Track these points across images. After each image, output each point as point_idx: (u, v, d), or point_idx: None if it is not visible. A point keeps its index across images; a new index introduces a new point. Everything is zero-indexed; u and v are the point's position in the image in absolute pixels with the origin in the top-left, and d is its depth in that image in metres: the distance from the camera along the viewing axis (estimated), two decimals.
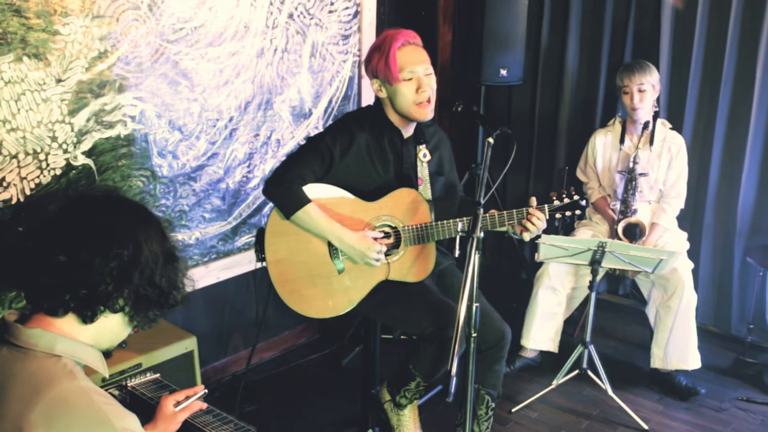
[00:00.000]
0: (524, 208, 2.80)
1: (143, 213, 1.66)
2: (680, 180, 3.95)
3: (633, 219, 3.85)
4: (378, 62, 2.78)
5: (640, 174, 3.86)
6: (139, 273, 1.57)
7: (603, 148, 4.08)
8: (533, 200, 2.81)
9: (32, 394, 1.44)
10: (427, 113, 2.83)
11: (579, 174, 4.26)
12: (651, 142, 3.89)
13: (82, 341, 1.57)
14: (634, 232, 3.84)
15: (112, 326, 1.62)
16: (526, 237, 2.81)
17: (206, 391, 2.07)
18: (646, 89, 3.81)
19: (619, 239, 3.80)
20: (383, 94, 2.85)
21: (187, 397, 2.02)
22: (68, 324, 1.56)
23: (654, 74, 3.85)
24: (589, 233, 4.00)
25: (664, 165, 3.93)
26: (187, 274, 1.73)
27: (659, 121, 3.95)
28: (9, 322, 1.56)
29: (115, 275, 1.53)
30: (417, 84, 2.78)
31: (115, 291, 1.55)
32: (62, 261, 1.51)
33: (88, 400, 1.46)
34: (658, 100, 3.95)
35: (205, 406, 2.05)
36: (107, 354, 1.69)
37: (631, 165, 3.84)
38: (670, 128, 3.99)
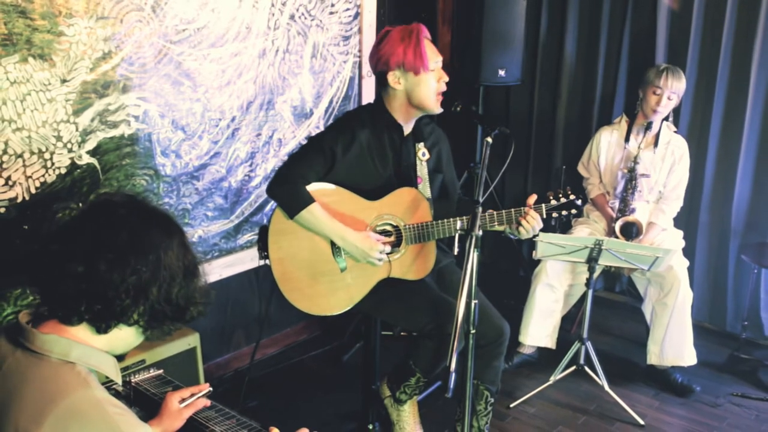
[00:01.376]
0: (521, 208, 2.80)
1: (166, 224, 1.62)
2: (681, 183, 3.96)
3: (631, 218, 3.84)
4: (406, 52, 2.75)
5: (642, 175, 3.86)
6: (156, 289, 1.54)
7: (608, 145, 4.07)
8: (532, 198, 2.82)
9: (46, 402, 1.42)
10: (440, 106, 2.86)
11: (580, 169, 4.25)
12: (656, 144, 3.88)
13: (96, 347, 1.55)
14: (631, 231, 3.83)
15: (125, 336, 1.60)
16: (523, 235, 2.82)
17: (211, 389, 2.06)
18: (674, 98, 3.81)
19: (616, 237, 3.80)
20: (401, 86, 2.82)
21: (192, 395, 2.01)
22: (82, 331, 1.54)
23: (684, 86, 3.86)
24: (587, 231, 4.00)
25: (666, 167, 3.93)
26: (206, 287, 1.70)
27: (665, 123, 3.93)
28: (23, 325, 1.53)
29: (132, 291, 1.51)
30: (439, 75, 2.82)
31: (131, 306, 1.52)
32: (80, 271, 1.48)
33: (102, 411, 1.43)
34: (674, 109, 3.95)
35: (208, 403, 2.05)
36: (120, 357, 1.67)
37: (632, 165, 3.84)
38: (675, 131, 3.99)
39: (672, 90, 3.77)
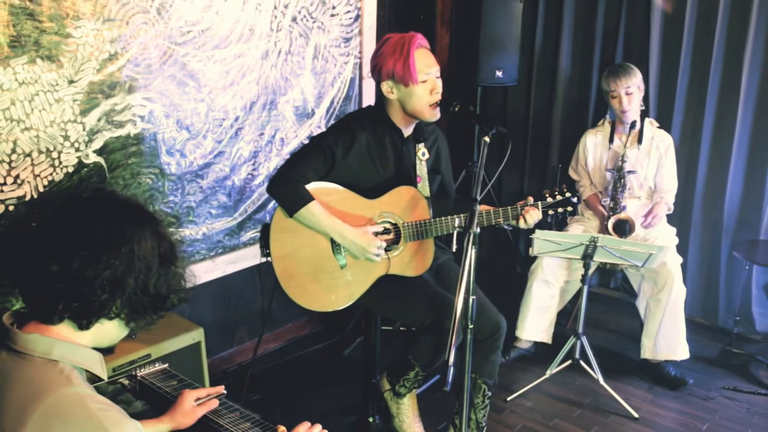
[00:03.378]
0: (518, 205, 2.81)
1: (137, 214, 1.58)
2: (672, 175, 3.96)
3: (623, 215, 3.84)
4: (395, 64, 2.74)
5: (629, 171, 3.86)
6: (133, 280, 1.50)
7: (593, 147, 4.08)
8: (530, 200, 2.83)
9: (29, 401, 1.40)
10: (438, 113, 2.84)
11: (571, 173, 4.26)
12: (640, 141, 3.89)
13: (80, 344, 1.53)
14: (624, 228, 3.83)
15: (109, 330, 1.58)
16: (522, 226, 2.83)
17: (225, 392, 2.05)
18: (633, 91, 3.81)
19: (609, 234, 3.79)
20: (394, 96, 2.83)
21: (208, 395, 2.00)
22: (65, 329, 1.52)
23: (638, 75, 3.84)
24: (581, 228, 4.01)
25: (653, 162, 3.93)
26: (185, 275, 1.65)
27: (647, 120, 3.95)
28: (6, 326, 1.52)
29: (107, 286, 1.48)
30: (431, 86, 2.79)
31: (109, 300, 1.49)
32: (55, 271, 1.45)
33: (83, 407, 1.41)
34: (644, 99, 3.94)
35: (217, 403, 2.03)
36: (110, 350, 1.65)
37: (619, 163, 3.84)
38: (658, 127, 3.99)
39: (625, 87, 3.78)
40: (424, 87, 2.78)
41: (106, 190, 1.63)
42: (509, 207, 2.82)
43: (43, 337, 1.49)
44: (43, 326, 1.51)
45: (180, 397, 1.96)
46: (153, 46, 3.17)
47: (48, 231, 1.51)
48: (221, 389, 2.04)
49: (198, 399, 1.97)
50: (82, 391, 1.45)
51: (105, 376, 1.64)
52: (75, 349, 1.52)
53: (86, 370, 1.56)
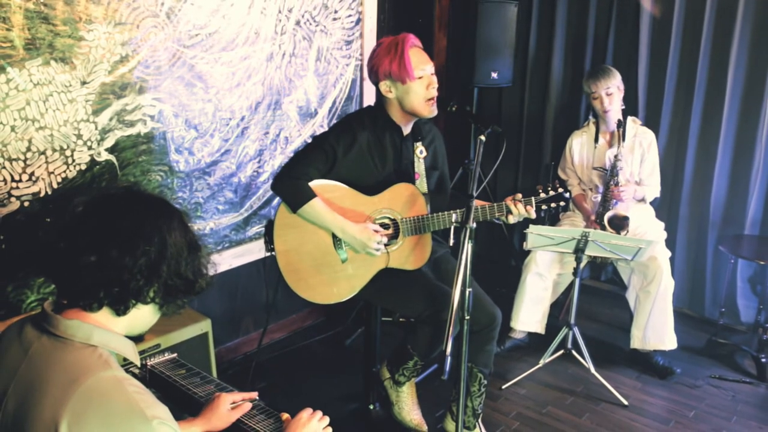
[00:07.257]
0: (508, 202, 2.80)
1: (165, 207, 1.63)
2: (655, 169, 3.97)
3: (621, 212, 3.81)
4: (391, 64, 2.75)
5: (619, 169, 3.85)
6: (166, 266, 1.54)
7: (580, 147, 4.08)
8: (518, 196, 2.83)
9: (70, 382, 1.42)
10: (434, 109, 2.83)
11: (560, 172, 4.25)
12: (623, 139, 3.87)
13: (116, 332, 1.56)
14: (623, 224, 3.78)
15: (144, 315, 1.61)
16: (511, 221, 2.82)
17: (258, 398, 2.03)
18: (613, 92, 3.80)
19: (603, 230, 3.78)
20: (392, 95, 2.82)
21: (243, 400, 1.99)
22: (103, 316, 1.55)
23: (617, 77, 3.84)
24: (572, 225, 4.00)
25: (637, 158, 3.94)
26: (209, 260, 1.70)
27: (630, 118, 3.94)
28: (48, 312, 1.54)
29: (145, 271, 1.51)
30: (427, 81, 2.79)
31: (146, 285, 1.53)
32: (93, 261, 1.48)
33: (121, 390, 1.43)
34: (628, 99, 3.92)
35: (250, 406, 2.02)
36: (140, 338, 1.68)
37: (613, 162, 3.82)
38: (641, 124, 3.99)
39: (605, 88, 3.78)
40: (421, 83, 2.77)
41: (132, 187, 1.66)
42: (504, 203, 2.82)
43: (84, 324, 1.52)
44: (82, 314, 1.54)
45: (216, 401, 1.95)
46: (162, 49, 3.17)
47: (81, 227, 1.53)
48: (255, 395, 2.02)
49: (233, 403, 1.96)
50: (120, 375, 1.47)
51: (138, 362, 1.67)
52: (112, 336, 1.55)
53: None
